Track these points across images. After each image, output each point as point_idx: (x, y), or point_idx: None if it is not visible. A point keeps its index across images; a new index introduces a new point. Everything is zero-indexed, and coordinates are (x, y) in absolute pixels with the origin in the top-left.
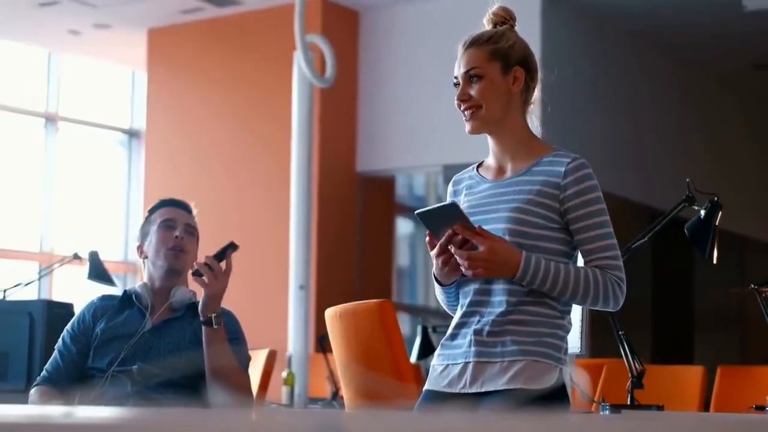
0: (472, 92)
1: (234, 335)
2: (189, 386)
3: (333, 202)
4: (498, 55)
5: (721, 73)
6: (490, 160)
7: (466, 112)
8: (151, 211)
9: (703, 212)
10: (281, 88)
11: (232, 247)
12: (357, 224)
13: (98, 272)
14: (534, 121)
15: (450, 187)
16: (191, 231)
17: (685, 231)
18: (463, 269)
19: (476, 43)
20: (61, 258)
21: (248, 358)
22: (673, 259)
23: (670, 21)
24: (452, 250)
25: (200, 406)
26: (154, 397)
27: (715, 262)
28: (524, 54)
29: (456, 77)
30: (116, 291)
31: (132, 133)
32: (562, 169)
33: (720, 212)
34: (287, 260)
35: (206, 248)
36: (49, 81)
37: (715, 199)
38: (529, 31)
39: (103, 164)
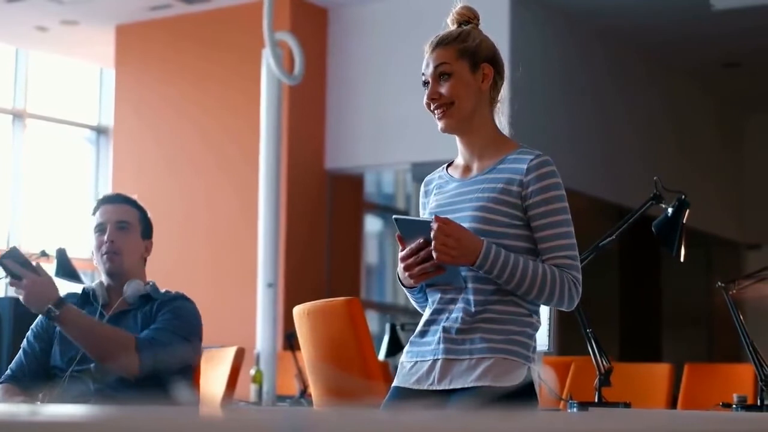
0: (442, 90)
1: (184, 333)
2: (151, 384)
3: (302, 199)
4: (466, 53)
5: (691, 71)
6: (459, 159)
7: (437, 111)
8: (93, 213)
9: (670, 210)
10: (250, 85)
11: (15, 254)
12: (326, 222)
13: (66, 270)
14: (501, 120)
15: (422, 188)
16: (124, 226)
17: (653, 229)
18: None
19: (443, 42)
20: (29, 255)
21: (190, 358)
22: (640, 257)
23: (639, 20)
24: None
25: (166, 403)
26: (117, 396)
27: (682, 260)
28: (491, 52)
29: (424, 75)
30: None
31: (100, 130)
32: (525, 166)
33: (687, 210)
34: (256, 258)
35: (176, 243)
36: (17, 77)
37: (683, 197)
38: (498, 29)
39: (71, 161)
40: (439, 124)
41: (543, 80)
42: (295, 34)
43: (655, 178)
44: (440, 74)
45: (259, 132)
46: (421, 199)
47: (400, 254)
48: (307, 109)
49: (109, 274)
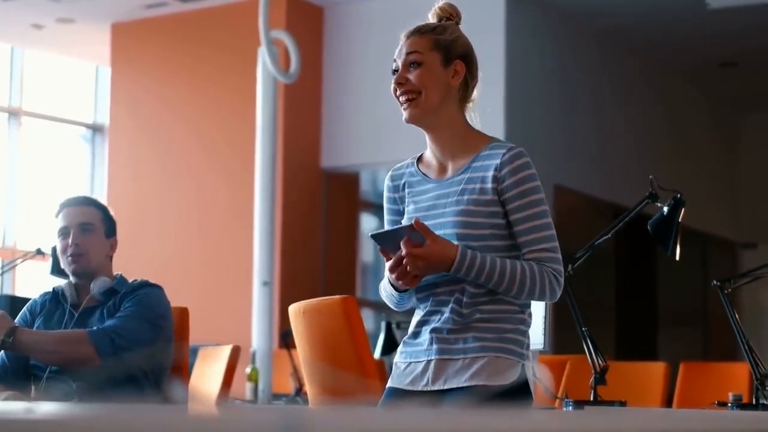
0: (410, 77)
1: (146, 317)
2: (134, 381)
3: (297, 197)
4: (440, 46)
5: (687, 71)
6: (430, 157)
7: (402, 98)
8: (56, 216)
9: (666, 209)
10: (245, 83)
11: None
12: (321, 220)
13: (61, 268)
14: (474, 119)
15: (389, 182)
16: (86, 227)
17: (648, 228)
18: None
19: (419, 31)
20: (24, 253)
21: (162, 348)
22: (636, 256)
23: (636, 19)
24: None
25: (153, 401)
26: (100, 394)
27: (677, 258)
28: (466, 50)
29: (395, 62)
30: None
31: (95, 128)
32: (498, 161)
33: (683, 209)
34: (251, 256)
35: (172, 241)
36: (12, 75)
37: (678, 195)
38: (494, 29)
39: (67, 159)
40: (404, 114)
41: (539, 80)
42: (291, 33)
43: (650, 176)
44: (411, 62)
45: (254, 130)
46: (387, 193)
47: (388, 265)
48: (303, 108)
49: (76, 275)
